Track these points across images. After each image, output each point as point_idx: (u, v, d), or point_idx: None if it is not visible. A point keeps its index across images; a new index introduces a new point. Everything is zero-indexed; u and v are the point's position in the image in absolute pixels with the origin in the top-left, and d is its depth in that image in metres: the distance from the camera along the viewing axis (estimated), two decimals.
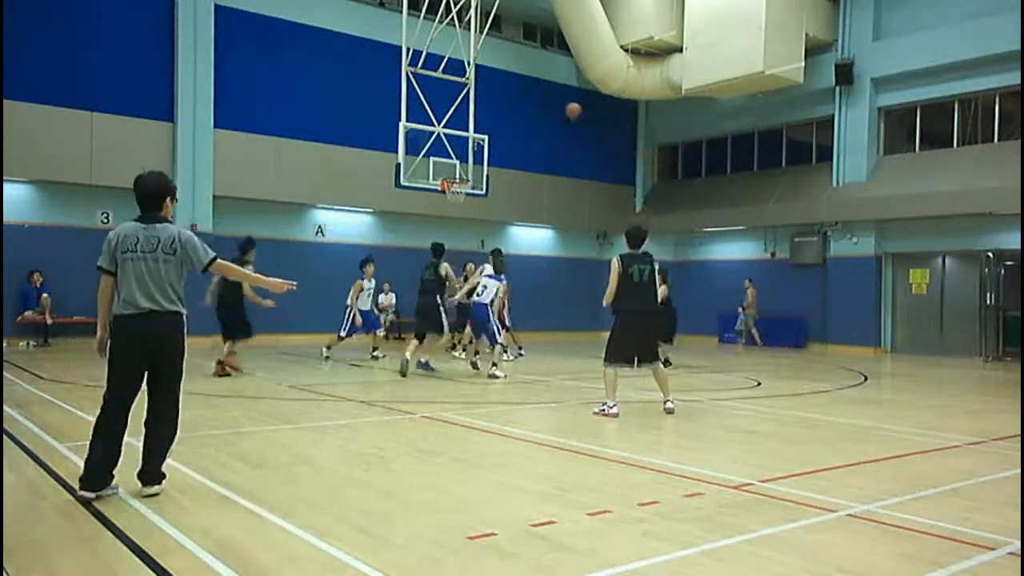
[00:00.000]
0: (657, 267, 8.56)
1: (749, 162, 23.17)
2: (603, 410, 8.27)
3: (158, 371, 4.77)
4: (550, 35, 23.17)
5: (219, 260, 4.93)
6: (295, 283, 5.32)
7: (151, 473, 4.74)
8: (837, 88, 19.96)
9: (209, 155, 17.54)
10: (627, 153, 25.07)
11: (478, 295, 12.26)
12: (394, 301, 19.48)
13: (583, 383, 11.54)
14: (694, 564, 3.72)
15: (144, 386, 4.81)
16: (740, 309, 21.03)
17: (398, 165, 15.85)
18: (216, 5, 17.55)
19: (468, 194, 16.77)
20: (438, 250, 12.72)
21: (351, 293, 14.51)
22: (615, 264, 8.38)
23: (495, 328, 12.18)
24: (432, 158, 16.43)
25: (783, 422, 8.34)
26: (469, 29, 16.83)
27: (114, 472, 4.67)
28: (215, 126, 17.61)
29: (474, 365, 13.04)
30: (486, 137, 16.77)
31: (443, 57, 16.59)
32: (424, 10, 16.72)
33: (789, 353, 19.31)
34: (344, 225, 20.15)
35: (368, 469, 5.66)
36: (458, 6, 16.85)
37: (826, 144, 20.85)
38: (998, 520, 4.50)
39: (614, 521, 4.36)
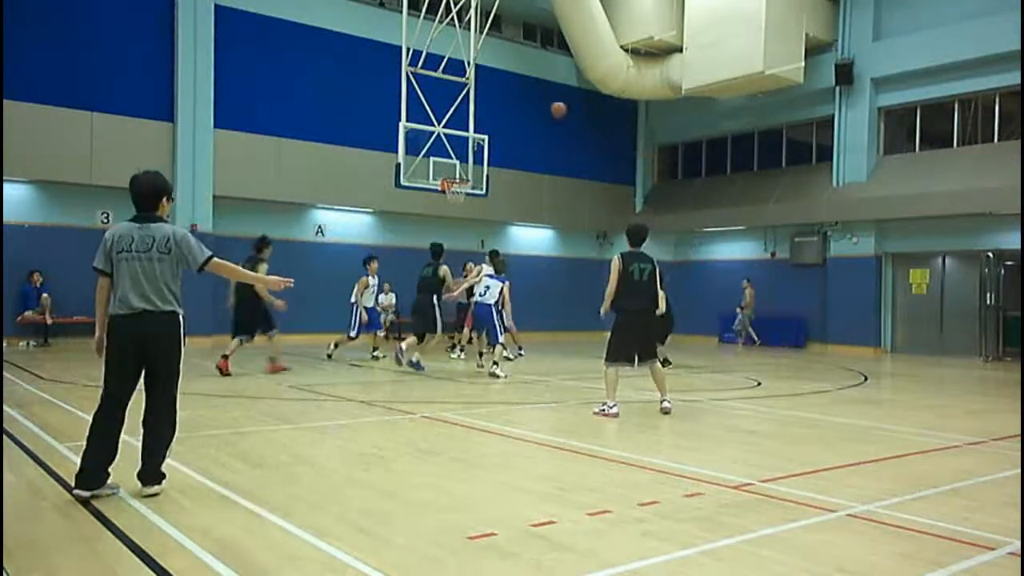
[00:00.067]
0: (658, 269, 8.57)
1: (749, 162, 23.17)
2: (603, 410, 8.27)
3: (154, 371, 4.76)
4: (550, 35, 23.17)
5: (215, 259, 4.91)
6: (291, 280, 5.45)
7: (151, 473, 4.73)
8: (837, 88, 19.96)
9: (209, 155, 17.54)
10: (627, 153, 25.08)
11: (481, 295, 12.33)
12: (394, 301, 19.48)
13: (583, 383, 11.55)
14: (694, 564, 3.72)
15: (142, 385, 4.81)
16: (738, 309, 21.04)
17: (398, 165, 15.85)
18: (216, 5, 17.55)
19: (468, 194, 16.78)
20: (438, 251, 12.76)
21: (356, 290, 14.52)
22: (615, 262, 8.38)
23: (497, 328, 12.25)
24: (432, 158, 16.43)
25: (783, 422, 8.34)
26: (469, 29, 16.83)
27: (110, 471, 4.67)
28: (215, 126, 17.60)
29: (480, 355, 13.37)
30: (486, 137, 16.77)
31: (443, 57, 16.59)
32: (424, 10, 16.72)
33: (789, 353, 19.31)
34: (344, 225, 20.15)
35: (368, 469, 5.66)
36: (458, 6, 16.85)
37: (826, 144, 20.85)
38: (998, 520, 4.50)
39: (614, 521, 4.36)
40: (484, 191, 16.97)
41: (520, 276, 18.22)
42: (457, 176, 16.54)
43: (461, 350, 15.53)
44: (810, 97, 20.67)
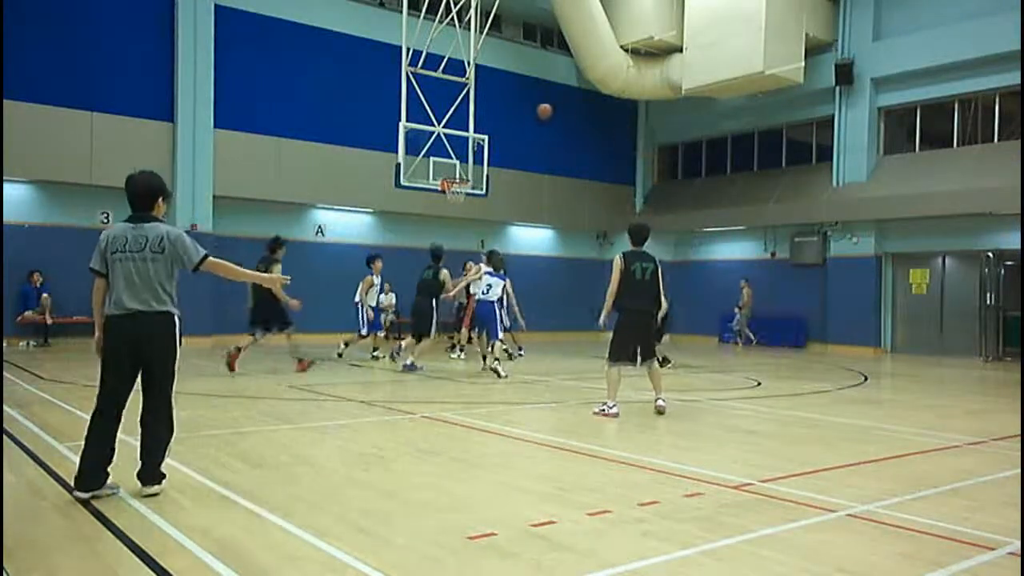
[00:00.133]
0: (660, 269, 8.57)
1: (749, 162, 23.17)
2: (603, 410, 8.27)
3: (149, 371, 4.75)
4: (550, 35, 23.17)
5: (211, 258, 4.89)
6: (288, 277, 5.67)
7: (150, 473, 4.73)
8: (837, 88, 19.96)
9: (209, 155, 17.54)
10: (627, 153, 25.07)
11: (483, 293, 12.38)
12: (394, 301, 19.46)
13: (583, 383, 11.55)
14: (694, 564, 3.72)
15: (140, 385, 4.80)
16: (736, 309, 21.03)
17: (398, 165, 15.85)
18: (216, 5, 17.55)
19: (468, 194, 16.77)
20: (438, 254, 12.81)
21: (360, 289, 14.55)
22: (617, 261, 8.38)
23: (498, 325, 12.32)
24: (432, 158, 16.43)
25: (783, 422, 8.34)
26: (469, 29, 16.83)
27: (109, 471, 4.66)
28: (215, 126, 17.61)
29: (483, 358, 13.33)
30: (486, 137, 16.77)
31: (443, 57, 16.59)
32: (424, 10, 16.71)
33: (789, 353, 19.31)
34: (344, 225, 20.15)
35: (368, 469, 5.66)
36: (458, 6, 16.85)
37: (826, 144, 20.85)
38: (998, 520, 4.50)
39: (614, 521, 4.36)
40: (484, 191, 16.97)
41: (520, 276, 18.18)
42: (457, 176, 16.54)
43: (461, 350, 15.53)
44: (810, 97, 20.67)
